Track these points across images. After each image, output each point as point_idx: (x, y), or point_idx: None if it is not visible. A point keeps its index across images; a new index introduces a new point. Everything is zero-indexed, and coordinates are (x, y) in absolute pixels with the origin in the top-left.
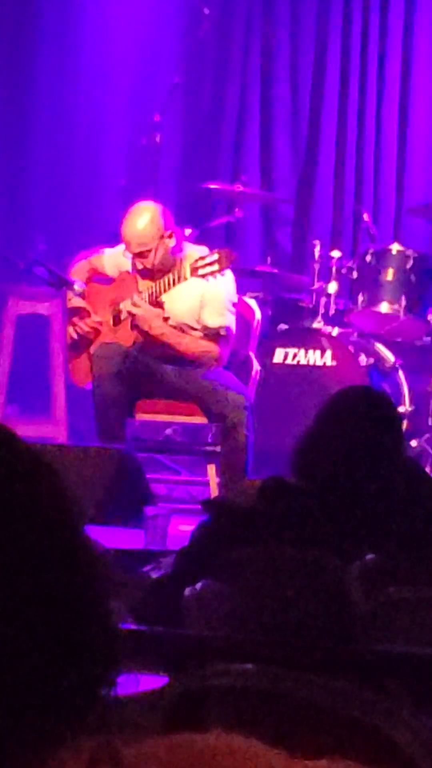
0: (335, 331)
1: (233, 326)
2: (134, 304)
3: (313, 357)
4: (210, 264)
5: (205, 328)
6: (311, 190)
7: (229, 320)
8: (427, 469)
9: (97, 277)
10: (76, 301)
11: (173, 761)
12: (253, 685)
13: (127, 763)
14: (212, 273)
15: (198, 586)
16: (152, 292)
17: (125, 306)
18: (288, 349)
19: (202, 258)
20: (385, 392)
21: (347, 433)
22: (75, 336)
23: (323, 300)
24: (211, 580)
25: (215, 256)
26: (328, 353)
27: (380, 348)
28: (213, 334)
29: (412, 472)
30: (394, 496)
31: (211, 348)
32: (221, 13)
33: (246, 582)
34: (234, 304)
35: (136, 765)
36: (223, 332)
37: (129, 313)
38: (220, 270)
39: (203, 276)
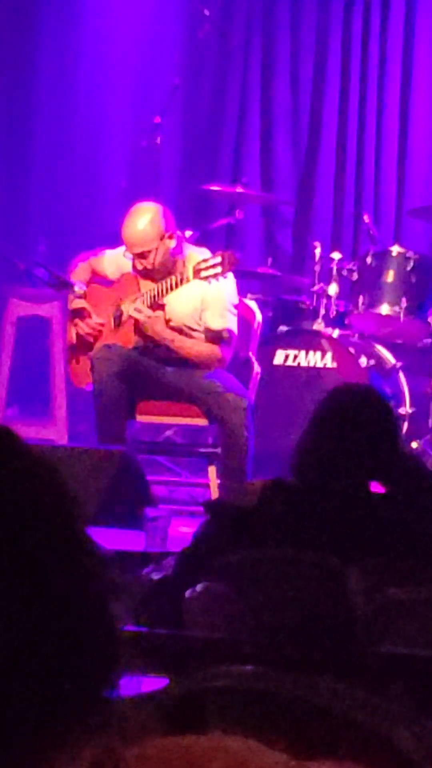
0: (336, 333)
1: (235, 328)
2: (137, 310)
3: (314, 359)
4: (213, 266)
5: (208, 330)
6: (312, 191)
7: (231, 322)
8: None
9: (98, 278)
10: (76, 303)
11: (174, 763)
12: (254, 686)
13: (128, 765)
14: (215, 275)
15: (198, 587)
16: (154, 294)
17: (126, 308)
18: (288, 351)
19: (205, 260)
20: (377, 389)
21: (343, 433)
22: (76, 337)
23: (324, 302)
24: (211, 582)
25: (218, 259)
26: (329, 355)
27: (381, 350)
28: (215, 337)
29: (413, 469)
30: (394, 494)
31: (214, 350)
32: (221, 14)
33: (246, 584)
34: (235, 306)
35: (137, 766)
36: (225, 334)
37: (131, 317)
38: (224, 272)
39: (206, 278)
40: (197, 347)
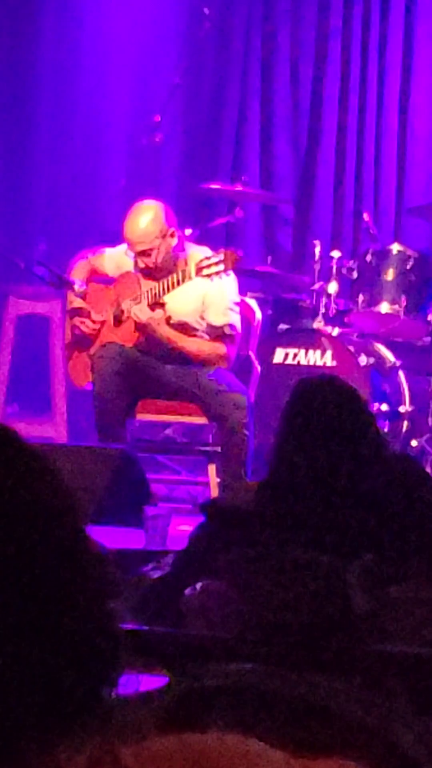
0: (335, 332)
1: (238, 325)
2: (136, 314)
3: (314, 357)
4: (215, 264)
5: (210, 327)
6: (312, 190)
7: (234, 319)
8: (428, 469)
9: (98, 277)
10: (76, 302)
11: (173, 761)
12: (253, 685)
13: (126, 763)
14: (217, 273)
15: (198, 586)
16: (155, 292)
17: (127, 306)
18: (288, 350)
19: (207, 258)
20: (341, 379)
21: (318, 430)
22: (75, 336)
23: (323, 300)
24: (210, 581)
25: (220, 256)
26: (329, 353)
27: (380, 348)
28: (218, 334)
29: (411, 470)
30: (393, 494)
31: (218, 348)
32: (221, 13)
33: (246, 582)
34: (237, 304)
35: (135, 765)
36: (228, 330)
37: (136, 318)
38: (226, 270)
39: (208, 276)
40: (199, 345)
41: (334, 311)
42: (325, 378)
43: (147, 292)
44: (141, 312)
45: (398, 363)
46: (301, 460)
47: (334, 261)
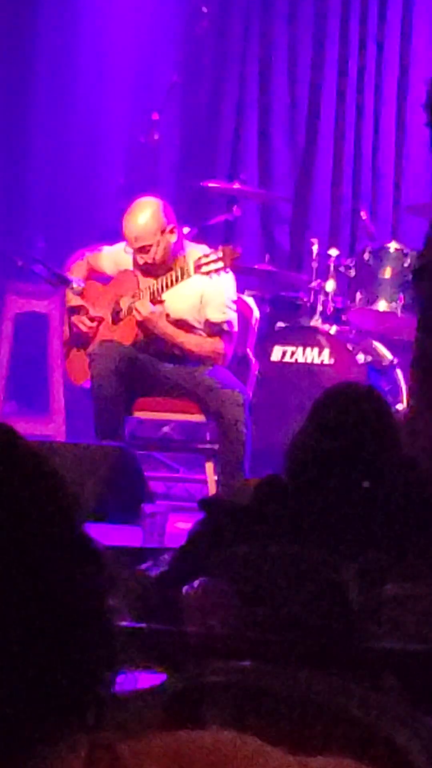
0: (333, 329)
1: (236, 323)
2: (137, 310)
3: (311, 355)
4: (214, 261)
5: (208, 324)
6: (309, 188)
7: (231, 316)
8: None
9: (96, 275)
10: (75, 300)
11: (171, 759)
12: (251, 682)
13: (124, 761)
14: (217, 270)
15: (196, 583)
16: (154, 290)
17: (125, 304)
18: (286, 347)
19: (206, 255)
20: (375, 388)
21: (340, 432)
22: (73, 334)
23: (321, 298)
24: (208, 578)
25: (219, 254)
26: (326, 351)
27: (378, 346)
28: (216, 330)
29: (409, 469)
30: (390, 493)
31: (216, 345)
32: (219, 11)
33: (244, 580)
34: (234, 302)
35: (133, 762)
36: (225, 327)
37: (137, 312)
38: (224, 267)
39: (207, 273)
40: (198, 341)
41: (331, 309)
42: (358, 386)
43: (146, 289)
44: (143, 306)
45: (395, 361)
46: (320, 462)
47: (332, 259)
